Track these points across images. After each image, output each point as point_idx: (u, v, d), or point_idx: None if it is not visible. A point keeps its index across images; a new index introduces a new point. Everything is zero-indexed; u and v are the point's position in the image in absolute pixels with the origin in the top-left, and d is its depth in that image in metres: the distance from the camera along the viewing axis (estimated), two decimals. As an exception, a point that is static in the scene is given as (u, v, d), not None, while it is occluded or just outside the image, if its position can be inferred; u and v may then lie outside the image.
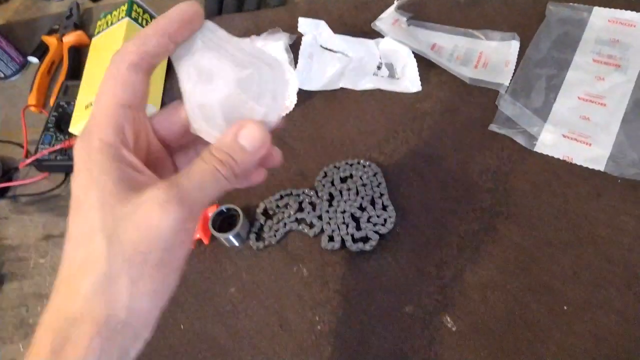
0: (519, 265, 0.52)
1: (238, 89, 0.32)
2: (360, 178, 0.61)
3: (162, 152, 0.35)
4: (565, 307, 0.49)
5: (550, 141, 0.58)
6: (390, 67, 0.68)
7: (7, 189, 0.77)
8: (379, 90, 0.68)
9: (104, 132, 0.29)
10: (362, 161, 0.62)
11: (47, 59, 0.87)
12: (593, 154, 0.56)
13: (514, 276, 0.52)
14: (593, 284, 0.50)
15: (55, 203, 0.74)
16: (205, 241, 0.62)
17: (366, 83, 0.68)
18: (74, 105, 0.74)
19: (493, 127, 0.61)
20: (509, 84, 0.64)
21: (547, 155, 0.58)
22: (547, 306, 0.49)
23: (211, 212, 0.62)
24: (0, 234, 0.74)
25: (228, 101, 0.32)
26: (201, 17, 0.31)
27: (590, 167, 0.56)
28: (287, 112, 0.34)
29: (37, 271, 0.69)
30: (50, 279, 0.67)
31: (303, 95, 0.70)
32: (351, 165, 0.62)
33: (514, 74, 0.65)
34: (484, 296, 0.51)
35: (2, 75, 0.90)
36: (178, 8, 0.30)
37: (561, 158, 0.57)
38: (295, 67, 0.68)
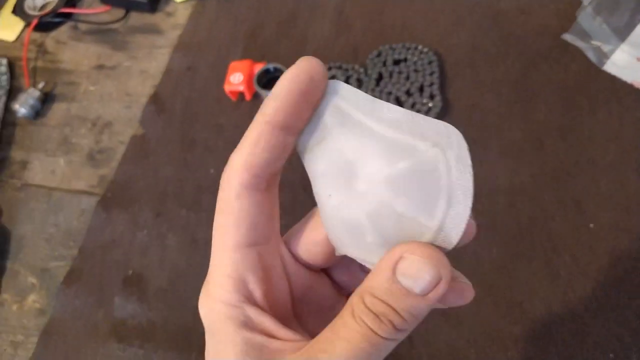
0: (555, 178, 0.51)
1: (392, 192, 0.21)
2: (414, 63, 0.59)
3: (312, 277, 0.27)
4: (591, 225, 0.48)
5: (622, 62, 0.55)
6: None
7: (69, 15, 0.78)
8: (454, -19, 0.65)
9: (223, 291, 0.22)
10: (420, 47, 0.60)
11: None
12: (664, 84, 0.53)
13: (547, 188, 0.50)
14: (626, 209, 0.48)
15: (113, 37, 0.75)
16: (248, 97, 0.62)
17: (443, -30, 0.65)
18: (144, -60, 0.73)
19: (567, 37, 0.57)
20: (595, -3, 0.59)
21: (615, 77, 0.55)
22: (573, 222, 0.49)
23: (258, 68, 0.62)
24: (57, 58, 0.76)
25: (381, 212, 0.21)
26: (325, 79, 0.22)
27: (658, 96, 0.53)
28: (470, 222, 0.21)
29: (85, 97, 0.71)
30: (97, 106, 0.70)
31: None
32: (408, 49, 0.60)
33: (603, -12, 0.60)
34: (512, 201, 0.51)
35: None
36: (290, 77, 0.21)
37: (629, 82, 0.54)
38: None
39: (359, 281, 0.26)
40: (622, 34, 0.57)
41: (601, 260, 0.46)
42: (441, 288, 0.20)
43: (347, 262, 0.26)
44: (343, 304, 0.26)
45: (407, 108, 0.56)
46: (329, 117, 0.22)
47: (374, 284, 0.21)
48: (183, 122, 0.65)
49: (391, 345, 0.21)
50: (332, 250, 0.25)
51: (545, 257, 0.48)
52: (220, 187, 0.23)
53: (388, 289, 0.20)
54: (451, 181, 0.20)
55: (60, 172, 0.67)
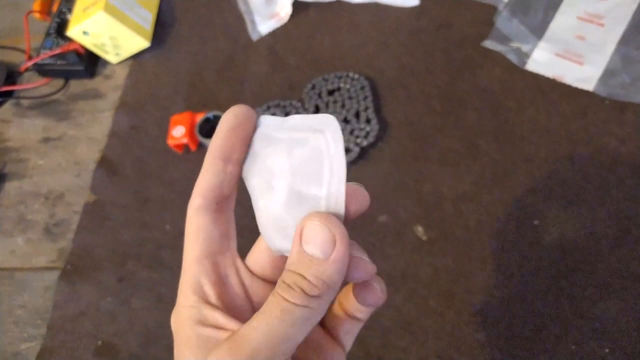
0: (495, 180, 0.52)
1: (295, 178, 0.25)
2: (348, 91, 0.60)
3: (269, 289, 0.28)
4: (535, 222, 0.49)
5: (542, 59, 0.57)
6: (388, -21, 0.67)
7: (10, 92, 0.79)
8: (375, 4, 0.67)
9: (185, 297, 0.26)
10: (350, 74, 0.61)
11: (51, -34, 0.87)
12: (584, 74, 0.55)
13: (489, 190, 0.52)
14: (566, 200, 0.50)
15: (55, 107, 0.76)
16: (192, 147, 0.63)
17: (363, -4, 0.67)
18: (73, 11, 0.74)
19: (487, 44, 0.60)
20: (509, 0, 0.62)
21: (538, 74, 0.57)
22: (517, 219, 0.50)
23: (199, 118, 0.63)
24: (2, 136, 0.76)
25: (291, 200, 0.25)
26: (252, 117, 0.26)
27: (580, 87, 0.55)
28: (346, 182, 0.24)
29: (36, 171, 0.71)
30: (48, 179, 0.70)
31: (298, 6, 0.69)
32: (340, 78, 0.62)
33: (515, -10, 0.62)
34: (457, 208, 0.52)
35: (9, -17, 0.90)
36: (224, 119, 0.26)
37: (551, 77, 0.56)
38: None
39: None
40: (538, 32, 0.59)
41: (550, 254, 0.48)
42: (340, 248, 0.23)
43: None
44: None
45: (346, 135, 0.58)
46: (257, 143, 0.26)
47: (289, 261, 0.24)
48: (134, 182, 0.65)
49: (307, 314, 0.22)
50: (276, 257, 0.28)
51: (496, 257, 0.49)
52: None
53: (297, 259, 0.23)
54: (330, 155, 0.24)
55: (20, 252, 0.66)
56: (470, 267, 0.49)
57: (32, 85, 0.77)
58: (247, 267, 0.29)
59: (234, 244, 0.28)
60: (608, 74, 0.54)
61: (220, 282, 0.27)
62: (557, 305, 0.46)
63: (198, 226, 0.26)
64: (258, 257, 0.29)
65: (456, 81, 0.59)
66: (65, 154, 0.71)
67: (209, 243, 0.26)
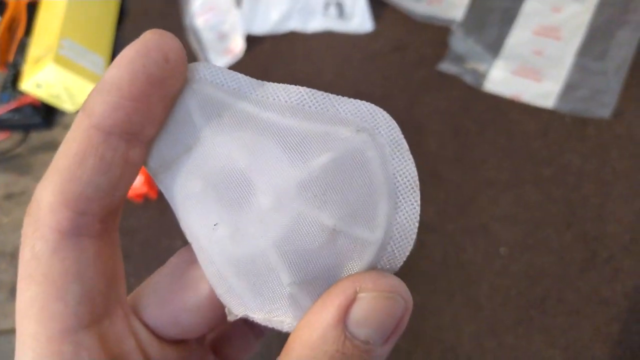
0: (458, 208, 0.51)
1: (311, 201, 0.15)
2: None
3: (181, 352, 0.19)
4: (501, 249, 0.48)
5: (499, 79, 0.56)
6: (339, 6, 0.65)
7: (-29, 150, 0.77)
8: (329, 33, 0.65)
9: None
10: (307, 107, 0.60)
11: (6, 16, 0.86)
12: (543, 90, 0.54)
13: (452, 219, 0.50)
14: (532, 225, 0.48)
15: (17, 162, 0.74)
16: (153, 195, 0.61)
17: (315, 24, 0.65)
18: (27, 62, 0.73)
19: (442, 67, 0.58)
20: (462, 19, 0.60)
21: (496, 95, 0.55)
22: (483, 248, 0.48)
23: (157, 165, 0.61)
24: (-34, 195, 0.74)
25: (298, 233, 0.15)
26: (184, 61, 0.15)
27: (539, 103, 0.53)
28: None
29: (1, 230, 0.70)
30: (13, 237, 0.68)
31: (253, 40, 0.67)
32: (297, 112, 0.60)
33: (469, 8, 0.61)
34: (421, 240, 0.50)
35: (-34, 36, 0.89)
36: (133, 57, 0.14)
37: (509, 96, 0.55)
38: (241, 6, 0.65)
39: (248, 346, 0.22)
40: (494, 49, 0.58)
41: (519, 283, 0.46)
42: (404, 323, 0.15)
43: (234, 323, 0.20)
44: None
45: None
46: (197, 112, 0.16)
47: (314, 353, 0.14)
48: (98, 234, 0.64)
49: None
50: (215, 315, 0.18)
51: (465, 291, 0.47)
52: (22, 240, 0.15)
53: (339, 351, 0.14)
54: (389, 174, 0.15)
55: (-12, 314, 0.65)
56: (438, 302, 0.47)
57: (-8, 140, 0.76)
58: (147, 329, 0.18)
59: (123, 291, 0.18)
60: (567, 89, 0.53)
61: None
62: (529, 337, 0.44)
63: (64, 270, 0.15)
64: (179, 316, 0.18)
65: (415, 105, 0.57)
66: (28, 209, 0.70)
67: (88, 302, 0.15)
